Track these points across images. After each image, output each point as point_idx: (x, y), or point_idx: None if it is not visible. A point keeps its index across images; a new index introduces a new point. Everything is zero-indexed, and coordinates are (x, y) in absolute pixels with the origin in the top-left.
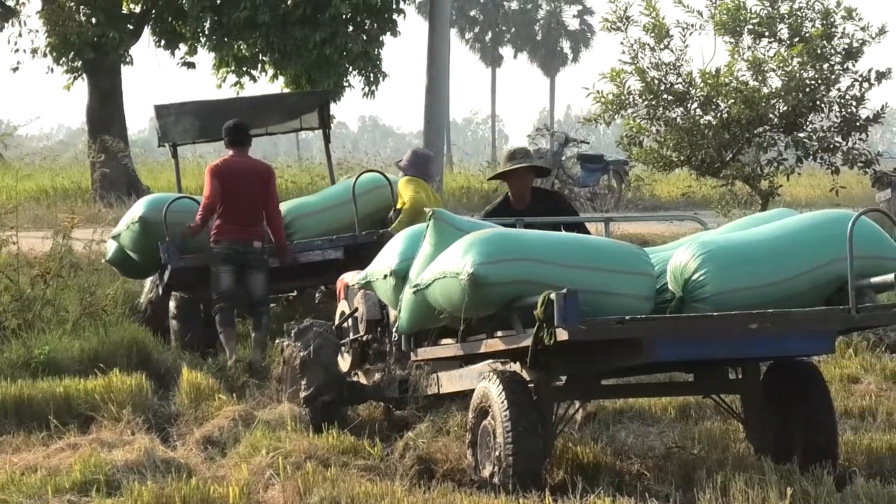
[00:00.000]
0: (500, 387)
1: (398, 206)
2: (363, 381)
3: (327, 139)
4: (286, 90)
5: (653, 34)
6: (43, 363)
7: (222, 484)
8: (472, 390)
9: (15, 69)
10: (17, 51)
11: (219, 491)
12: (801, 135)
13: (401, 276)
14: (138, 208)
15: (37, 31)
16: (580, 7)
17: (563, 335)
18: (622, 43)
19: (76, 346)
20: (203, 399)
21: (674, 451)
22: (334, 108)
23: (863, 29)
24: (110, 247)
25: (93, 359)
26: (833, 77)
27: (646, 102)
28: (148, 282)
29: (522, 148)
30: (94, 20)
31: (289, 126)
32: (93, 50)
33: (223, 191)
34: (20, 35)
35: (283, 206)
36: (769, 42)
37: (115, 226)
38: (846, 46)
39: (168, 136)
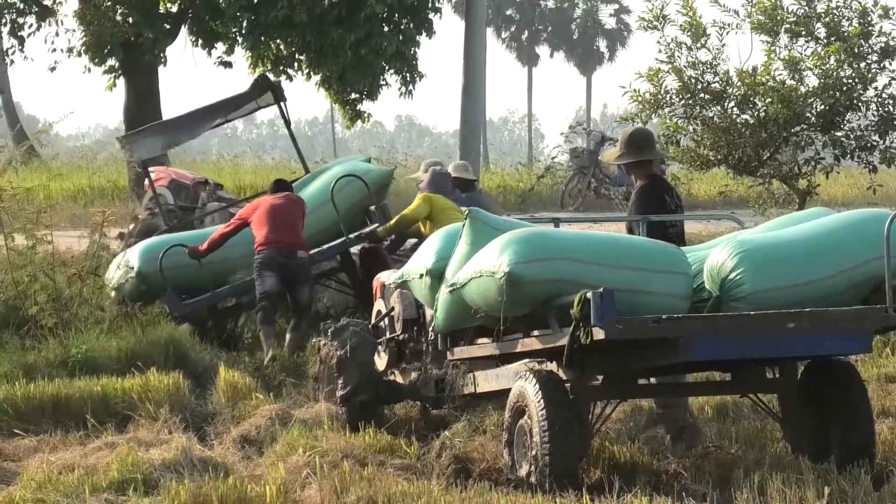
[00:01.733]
0: (537, 386)
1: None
2: (400, 380)
3: (287, 123)
4: (322, 90)
5: (689, 33)
6: (80, 362)
7: (259, 483)
8: (509, 389)
9: (52, 69)
10: (54, 50)
11: (256, 490)
12: (839, 133)
13: (437, 275)
14: (133, 260)
15: (73, 30)
16: (617, 6)
17: (599, 334)
18: (659, 42)
19: (113, 345)
20: (240, 398)
21: (711, 450)
22: (370, 107)
23: None
24: (111, 292)
25: (130, 358)
26: (870, 76)
27: (683, 101)
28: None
29: (640, 134)
30: (130, 20)
31: (245, 112)
32: (129, 49)
33: (262, 213)
34: (57, 34)
35: None
36: (806, 41)
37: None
38: (883, 45)
39: (139, 160)
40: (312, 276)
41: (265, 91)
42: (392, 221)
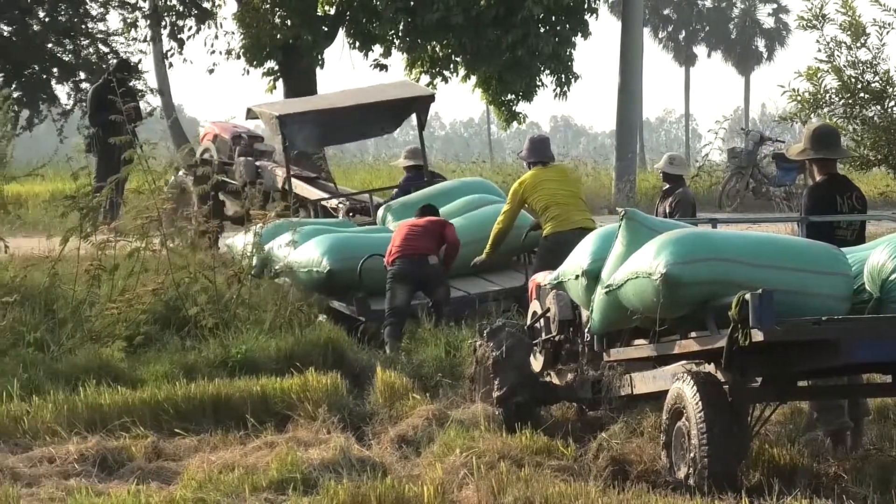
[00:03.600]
0: (695, 388)
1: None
2: (556, 381)
3: (421, 129)
4: (477, 91)
5: (849, 32)
6: (240, 362)
7: (417, 483)
8: (666, 391)
9: (211, 71)
10: (213, 52)
11: (413, 490)
12: None
13: (593, 276)
14: (315, 254)
15: (232, 33)
16: (775, 5)
17: (758, 336)
18: (818, 41)
19: (272, 345)
20: (397, 398)
21: (872, 452)
22: (526, 108)
23: None
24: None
25: (289, 358)
26: None
27: (842, 101)
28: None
29: (823, 130)
30: (288, 22)
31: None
32: (287, 52)
33: (397, 231)
34: (216, 37)
35: None
36: None
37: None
38: None
39: (294, 144)
40: (445, 277)
41: (420, 110)
42: (489, 243)
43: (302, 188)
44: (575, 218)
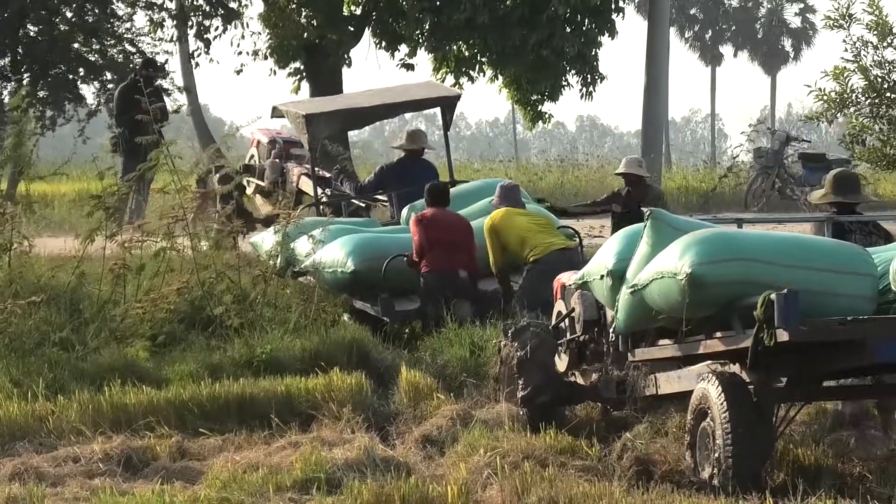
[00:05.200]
0: (720, 388)
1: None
2: (580, 381)
3: (446, 129)
4: (503, 92)
5: (876, 32)
6: (265, 362)
7: (441, 483)
8: (691, 391)
9: (238, 71)
10: (239, 53)
11: (437, 490)
12: None
13: (618, 276)
14: (339, 254)
15: (258, 33)
16: (802, 5)
17: (783, 336)
18: (845, 41)
19: (297, 345)
20: (421, 398)
21: None
22: (551, 108)
23: None
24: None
25: (313, 358)
26: None
27: (869, 101)
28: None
29: (842, 176)
30: (314, 22)
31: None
32: (312, 52)
33: (428, 236)
34: (242, 37)
35: None
36: None
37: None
38: None
39: (316, 140)
40: (474, 293)
41: (446, 110)
42: (498, 281)
43: (307, 186)
44: (554, 241)
